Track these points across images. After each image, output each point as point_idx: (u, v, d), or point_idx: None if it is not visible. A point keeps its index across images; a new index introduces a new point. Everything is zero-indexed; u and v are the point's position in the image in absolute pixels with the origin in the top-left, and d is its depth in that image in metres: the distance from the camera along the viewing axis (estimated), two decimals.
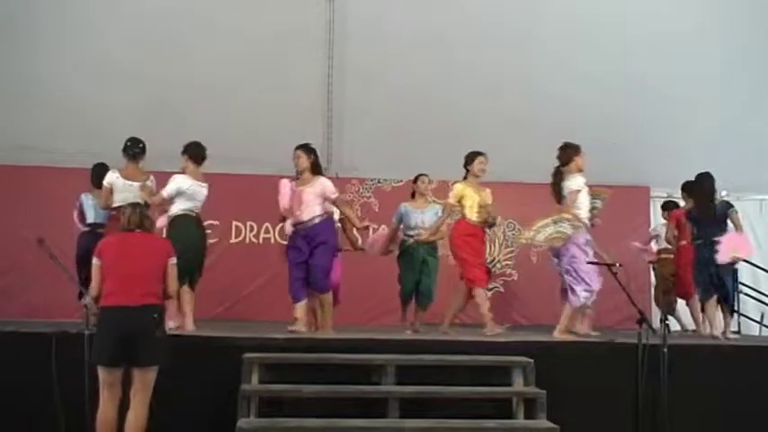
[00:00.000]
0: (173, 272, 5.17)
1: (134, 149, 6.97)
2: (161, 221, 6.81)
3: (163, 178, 8.66)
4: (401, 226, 7.82)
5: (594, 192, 7.32)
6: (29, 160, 9.42)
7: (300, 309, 6.90)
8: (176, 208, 6.75)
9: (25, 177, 9.43)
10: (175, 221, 6.71)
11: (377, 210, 9.88)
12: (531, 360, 5.87)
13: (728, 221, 7.52)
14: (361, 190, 10.11)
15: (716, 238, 7.40)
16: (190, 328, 6.65)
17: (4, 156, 9.36)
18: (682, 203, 8.52)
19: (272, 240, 9.64)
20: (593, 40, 9.43)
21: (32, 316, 7.88)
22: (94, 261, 5.08)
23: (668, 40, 9.46)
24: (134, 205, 5.39)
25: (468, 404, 5.64)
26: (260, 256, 9.56)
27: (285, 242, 7.33)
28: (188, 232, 6.66)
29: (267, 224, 9.76)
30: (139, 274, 4.98)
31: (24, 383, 5.62)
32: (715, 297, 7.56)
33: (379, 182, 10.19)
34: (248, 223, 9.16)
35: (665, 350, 5.83)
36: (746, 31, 9.51)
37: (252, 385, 5.58)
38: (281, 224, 7.53)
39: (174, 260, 5.19)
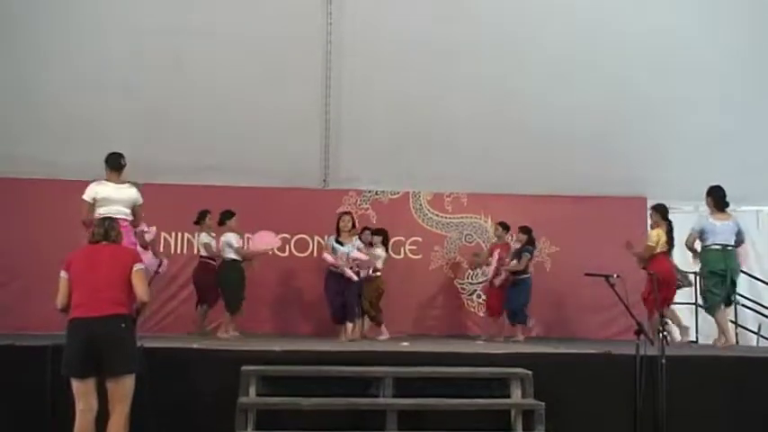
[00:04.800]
0: (138, 277, 5.04)
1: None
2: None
3: (162, 190, 8.72)
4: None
5: None
6: (27, 173, 9.40)
7: None
8: None
9: (23, 190, 9.39)
10: None
11: (374, 221, 9.85)
12: (530, 372, 5.85)
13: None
14: (358, 202, 10.07)
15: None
16: None
17: (2, 168, 9.34)
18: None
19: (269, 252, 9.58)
20: (593, 52, 9.45)
21: (30, 329, 7.83)
22: (62, 274, 5.05)
23: (666, 53, 9.48)
24: (102, 219, 5.40)
25: (467, 416, 5.62)
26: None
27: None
28: None
29: None
30: (104, 284, 4.93)
31: (21, 396, 5.61)
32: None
33: (376, 194, 10.17)
34: (245, 235, 9.11)
35: (663, 361, 5.83)
36: (744, 44, 9.54)
37: (250, 398, 5.56)
38: None
39: (140, 266, 5.10)
